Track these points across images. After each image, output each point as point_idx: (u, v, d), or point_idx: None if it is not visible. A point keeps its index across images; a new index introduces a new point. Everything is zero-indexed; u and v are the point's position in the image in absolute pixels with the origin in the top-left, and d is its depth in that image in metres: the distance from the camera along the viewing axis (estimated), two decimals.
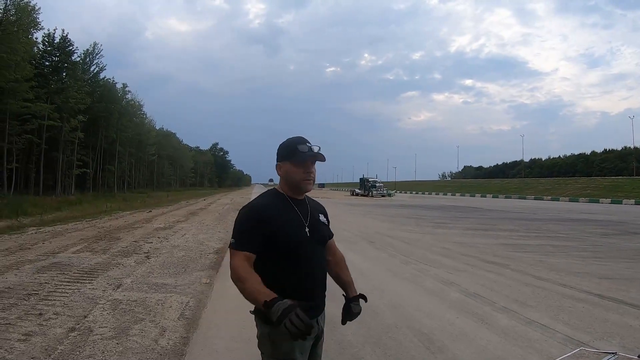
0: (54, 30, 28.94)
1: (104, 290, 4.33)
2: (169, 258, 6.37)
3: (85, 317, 3.46)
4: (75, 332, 3.11)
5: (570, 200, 40.96)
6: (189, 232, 9.87)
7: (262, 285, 1.27)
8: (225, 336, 3.18)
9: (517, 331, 3.31)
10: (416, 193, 67.83)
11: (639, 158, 53.50)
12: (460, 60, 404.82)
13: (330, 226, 1.62)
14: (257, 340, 1.41)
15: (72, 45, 29.86)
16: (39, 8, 23.38)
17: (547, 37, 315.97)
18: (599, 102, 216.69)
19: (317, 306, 1.45)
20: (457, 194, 59.97)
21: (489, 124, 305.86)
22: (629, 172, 53.18)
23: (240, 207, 1.47)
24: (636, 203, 33.80)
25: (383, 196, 44.12)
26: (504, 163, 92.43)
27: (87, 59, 34.51)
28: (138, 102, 45.58)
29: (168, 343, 2.99)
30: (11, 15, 21.33)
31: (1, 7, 20.70)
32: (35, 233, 9.23)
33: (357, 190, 50.74)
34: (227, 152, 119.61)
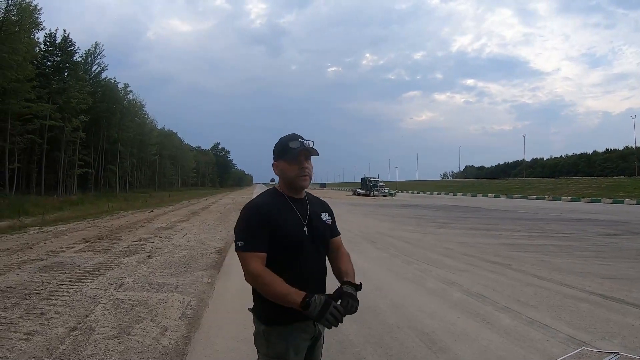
0: (56, 30, 29.09)
1: (106, 290, 4.34)
2: (170, 257, 6.38)
3: (86, 316, 3.47)
4: (77, 332, 3.11)
5: (572, 200, 40.81)
6: (191, 232, 9.88)
7: (286, 284, 1.28)
8: (227, 336, 3.18)
9: (519, 331, 3.31)
10: (418, 193, 67.76)
11: None
12: (462, 60, 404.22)
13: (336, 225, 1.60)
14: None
15: (74, 45, 30.06)
16: (41, 8, 23.47)
17: (548, 37, 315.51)
18: (600, 102, 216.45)
19: None
20: (458, 194, 59.89)
21: (490, 124, 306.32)
22: (631, 171, 52.95)
23: (242, 208, 1.46)
24: (638, 203, 33.64)
25: (385, 196, 44.13)
26: (505, 163, 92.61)
27: (89, 59, 34.75)
28: (140, 102, 45.92)
29: (169, 342, 2.99)
30: (13, 16, 21.36)
31: (3, 7, 20.78)
32: (37, 233, 9.26)
33: (359, 190, 50.75)
34: (228, 152, 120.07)
